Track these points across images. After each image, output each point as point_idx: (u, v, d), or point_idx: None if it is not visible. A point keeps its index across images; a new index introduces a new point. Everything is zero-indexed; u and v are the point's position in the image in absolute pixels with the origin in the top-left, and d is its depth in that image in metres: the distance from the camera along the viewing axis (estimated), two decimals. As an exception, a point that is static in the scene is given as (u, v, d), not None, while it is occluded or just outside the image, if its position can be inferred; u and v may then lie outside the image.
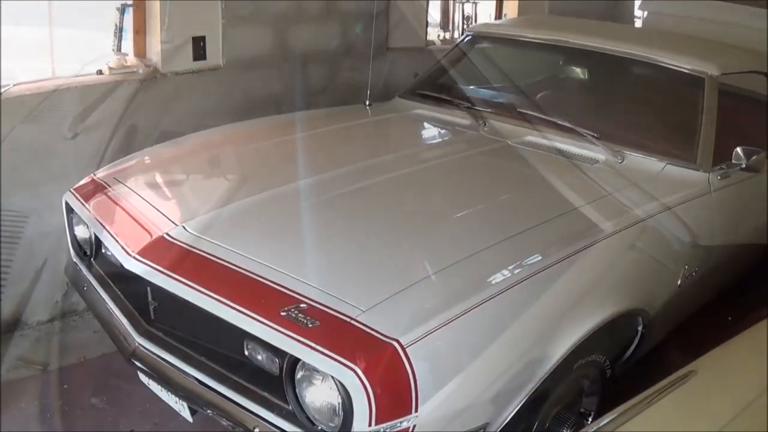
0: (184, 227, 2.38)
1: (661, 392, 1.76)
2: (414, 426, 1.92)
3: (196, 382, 2.25)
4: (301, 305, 2.00)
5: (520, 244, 2.32)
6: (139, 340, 2.40)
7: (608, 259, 2.43)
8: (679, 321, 3.03)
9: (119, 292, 2.58)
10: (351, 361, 1.84)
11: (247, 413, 2.13)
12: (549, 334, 2.18)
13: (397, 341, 1.87)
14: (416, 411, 1.90)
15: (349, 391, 1.84)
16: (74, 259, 2.91)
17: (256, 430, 2.09)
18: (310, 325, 1.94)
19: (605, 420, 1.78)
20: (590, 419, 2.62)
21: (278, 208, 2.53)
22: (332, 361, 1.85)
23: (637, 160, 2.98)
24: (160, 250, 2.32)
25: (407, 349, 1.87)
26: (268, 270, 2.15)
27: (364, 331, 1.91)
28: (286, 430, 2.05)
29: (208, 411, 2.20)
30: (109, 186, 2.78)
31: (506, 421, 2.15)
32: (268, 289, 2.09)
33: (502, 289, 2.11)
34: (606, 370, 2.54)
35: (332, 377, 1.88)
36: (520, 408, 2.15)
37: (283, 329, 1.95)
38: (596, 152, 3.01)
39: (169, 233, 2.36)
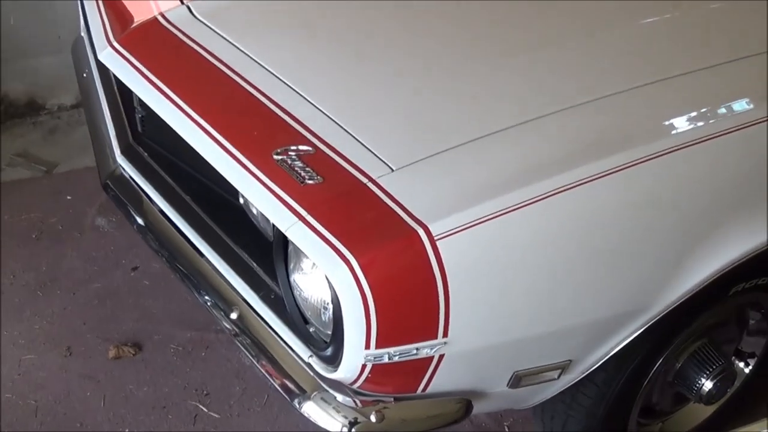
0: (188, 7, 1.76)
1: None
2: (442, 356, 1.30)
3: (175, 231, 1.70)
4: (304, 148, 1.37)
5: (662, 95, 1.52)
6: (120, 160, 1.86)
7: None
8: None
9: (116, 90, 2.01)
10: (348, 248, 1.21)
11: (229, 287, 1.58)
12: (691, 243, 1.45)
13: (425, 228, 1.22)
14: (445, 335, 1.27)
15: (338, 294, 1.21)
16: (82, 33, 2.34)
17: (234, 315, 1.53)
18: (309, 182, 1.32)
19: None
20: (749, 367, 1.92)
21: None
22: (322, 243, 1.23)
23: None
24: (145, 37, 1.75)
25: (438, 243, 1.22)
26: (279, 86, 1.52)
27: (383, 202, 1.27)
28: (270, 322, 1.48)
29: (182, 276, 1.67)
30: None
31: (602, 361, 1.50)
32: (270, 115, 1.47)
33: (625, 164, 1.35)
34: None
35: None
36: (625, 345, 1.48)
37: (268, 181, 1.33)
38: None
39: (165, 14, 1.75)
